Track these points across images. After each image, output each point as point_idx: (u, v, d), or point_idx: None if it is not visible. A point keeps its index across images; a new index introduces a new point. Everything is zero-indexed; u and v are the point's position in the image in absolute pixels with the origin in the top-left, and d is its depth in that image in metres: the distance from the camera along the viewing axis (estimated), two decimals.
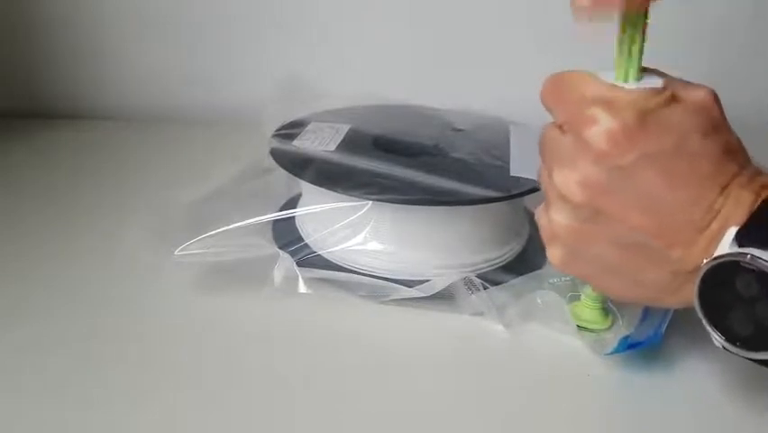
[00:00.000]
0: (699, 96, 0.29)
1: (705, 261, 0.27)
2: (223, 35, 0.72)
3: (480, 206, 0.40)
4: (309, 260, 0.42)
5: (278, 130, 0.49)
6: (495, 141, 0.49)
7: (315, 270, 0.40)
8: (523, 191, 0.41)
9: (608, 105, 0.28)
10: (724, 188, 0.27)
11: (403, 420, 0.32)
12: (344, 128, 0.49)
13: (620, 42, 0.30)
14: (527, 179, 0.41)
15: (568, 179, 0.29)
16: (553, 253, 0.32)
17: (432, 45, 0.70)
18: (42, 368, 0.34)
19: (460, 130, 0.50)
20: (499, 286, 0.40)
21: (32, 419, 0.31)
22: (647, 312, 0.37)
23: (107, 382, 0.33)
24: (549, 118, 0.32)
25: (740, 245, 0.26)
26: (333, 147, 0.46)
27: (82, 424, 0.31)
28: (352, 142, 0.47)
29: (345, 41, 0.71)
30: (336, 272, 0.41)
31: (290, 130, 0.49)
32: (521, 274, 0.41)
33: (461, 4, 0.69)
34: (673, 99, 0.28)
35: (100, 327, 0.38)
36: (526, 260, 0.44)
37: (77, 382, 0.33)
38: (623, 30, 0.30)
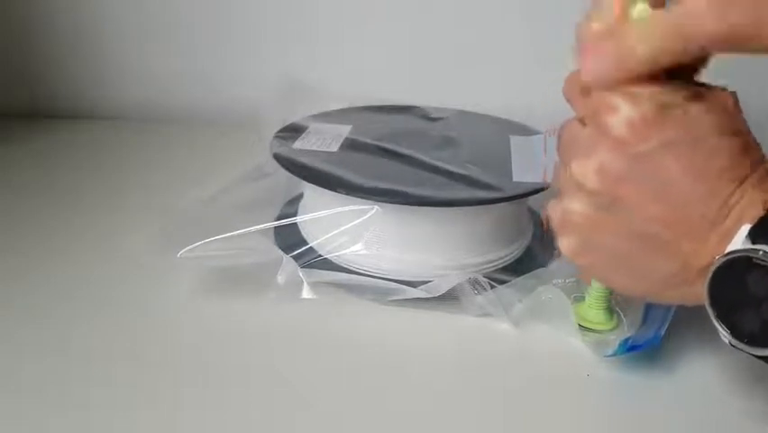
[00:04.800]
0: (719, 97, 0.29)
1: (717, 257, 0.27)
2: (223, 36, 0.72)
3: (485, 206, 0.41)
4: (313, 263, 0.42)
5: (279, 131, 0.49)
6: (496, 141, 0.49)
7: (319, 271, 0.40)
8: (527, 192, 0.41)
9: (629, 95, 0.29)
10: (740, 184, 0.27)
11: (406, 420, 0.32)
12: (346, 129, 0.49)
13: None
14: (531, 181, 0.42)
15: (586, 167, 0.29)
16: (565, 243, 0.32)
17: (432, 45, 0.70)
18: (43, 368, 0.34)
19: (461, 130, 0.50)
20: (504, 286, 0.40)
21: (32, 419, 0.31)
22: (648, 314, 0.38)
23: (107, 382, 0.33)
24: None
25: (753, 242, 0.26)
26: (335, 148, 0.46)
27: (82, 424, 0.31)
28: (354, 144, 0.47)
29: (346, 42, 0.71)
30: (340, 274, 0.41)
31: (291, 131, 0.49)
32: (525, 273, 0.41)
33: (462, 4, 0.69)
34: (693, 98, 0.29)
35: (100, 327, 0.37)
36: (531, 260, 0.44)
37: (77, 382, 0.33)
38: None
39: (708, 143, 0.28)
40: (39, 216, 0.50)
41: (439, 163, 0.43)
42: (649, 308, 0.38)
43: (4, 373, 0.34)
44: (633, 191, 0.28)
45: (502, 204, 0.41)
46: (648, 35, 0.28)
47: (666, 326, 0.35)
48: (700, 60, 0.29)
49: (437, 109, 0.55)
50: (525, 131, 0.51)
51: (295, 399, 0.33)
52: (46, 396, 0.32)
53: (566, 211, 0.31)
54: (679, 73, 0.29)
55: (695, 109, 0.28)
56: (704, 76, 0.30)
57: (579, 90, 0.31)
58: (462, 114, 0.54)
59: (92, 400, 0.32)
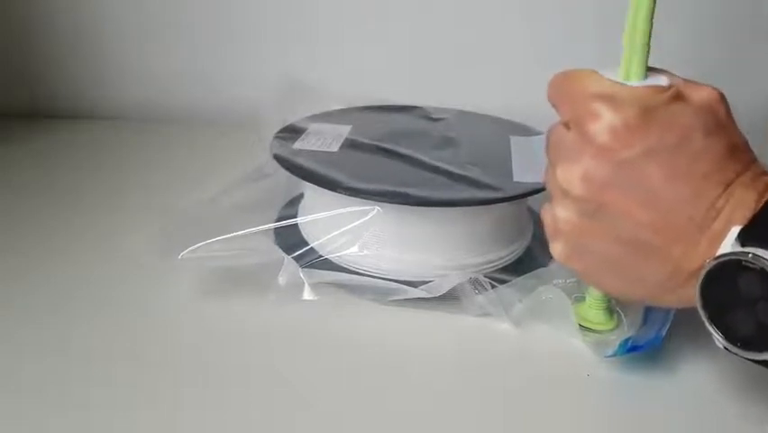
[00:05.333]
0: (704, 95, 0.29)
1: (707, 260, 0.27)
2: (223, 36, 0.72)
3: (486, 207, 0.40)
4: (314, 263, 0.42)
5: (279, 132, 0.49)
6: (496, 142, 0.49)
7: (320, 272, 0.40)
8: (528, 192, 0.41)
9: (611, 100, 0.29)
10: (726, 186, 0.27)
11: (406, 420, 0.32)
12: (346, 130, 0.49)
13: (625, 41, 0.30)
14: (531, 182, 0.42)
15: (571, 174, 0.29)
16: (556, 249, 0.32)
17: (432, 45, 0.70)
18: (43, 368, 0.34)
19: (462, 131, 0.50)
20: (504, 285, 0.40)
21: (32, 419, 0.31)
22: (648, 314, 0.37)
23: (107, 382, 0.33)
24: (549, 117, 0.33)
25: (743, 244, 0.26)
26: (335, 149, 0.46)
27: (82, 424, 0.31)
28: (354, 144, 0.47)
29: (346, 42, 0.71)
30: (341, 275, 0.41)
31: (291, 132, 0.49)
32: (526, 273, 0.41)
33: (462, 4, 0.69)
34: (678, 97, 0.28)
35: (100, 327, 0.37)
36: (531, 260, 0.44)
37: (77, 382, 0.33)
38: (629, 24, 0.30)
39: (692, 146, 0.27)
40: (39, 216, 0.50)
41: (439, 164, 0.43)
42: (649, 308, 0.38)
43: (4, 373, 0.34)
44: (618, 198, 0.28)
45: (502, 204, 0.41)
46: None
47: (667, 326, 0.35)
48: None
49: (437, 109, 0.55)
50: (525, 131, 0.51)
51: (295, 399, 0.33)
52: (46, 396, 0.32)
53: (555, 218, 0.31)
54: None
55: (679, 110, 0.28)
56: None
57: (563, 94, 0.31)
58: (462, 114, 0.54)
59: (92, 400, 0.32)
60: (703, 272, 0.27)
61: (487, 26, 0.70)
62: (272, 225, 0.44)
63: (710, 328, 0.27)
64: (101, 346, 0.36)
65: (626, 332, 0.37)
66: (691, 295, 0.28)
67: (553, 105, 0.32)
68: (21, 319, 0.38)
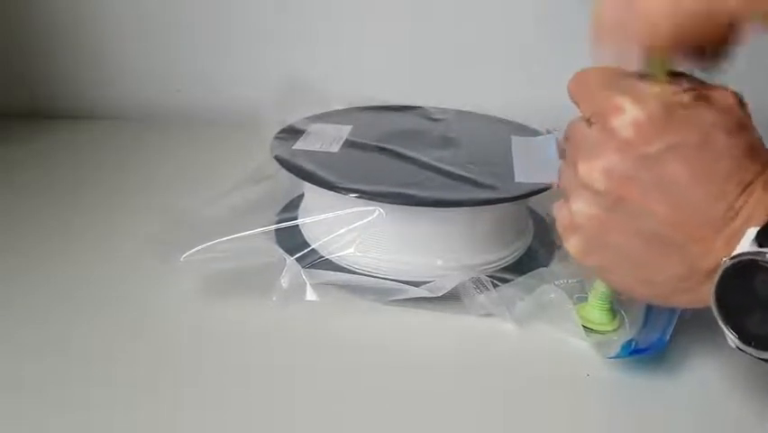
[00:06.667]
0: (724, 96, 0.29)
1: (723, 259, 0.27)
2: (223, 36, 0.72)
3: (488, 207, 0.40)
4: (315, 264, 0.41)
5: (279, 132, 0.49)
6: (497, 142, 0.49)
7: (322, 273, 0.40)
8: (529, 192, 0.41)
9: (635, 96, 0.29)
10: (746, 187, 0.27)
11: (407, 420, 0.32)
12: (346, 130, 0.49)
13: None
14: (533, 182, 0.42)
15: (592, 168, 0.29)
16: (572, 243, 0.32)
17: (432, 45, 0.70)
18: (43, 368, 0.34)
19: (462, 131, 0.50)
20: (506, 285, 0.40)
21: (32, 419, 0.31)
22: (649, 315, 0.37)
23: (107, 382, 0.33)
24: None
25: (760, 245, 0.26)
26: (335, 149, 0.46)
27: (82, 424, 0.31)
28: (354, 145, 0.47)
29: (346, 42, 0.71)
30: (343, 275, 0.41)
31: (292, 132, 0.49)
32: (527, 273, 0.41)
33: (462, 4, 0.69)
34: (700, 97, 0.29)
35: (100, 327, 0.37)
36: (533, 260, 0.44)
37: (77, 382, 0.33)
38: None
39: (714, 146, 0.28)
40: (39, 216, 0.50)
41: (440, 164, 0.43)
42: (650, 309, 0.38)
43: (4, 373, 0.34)
44: (639, 192, 0.28)
45: (504, 204, 0.41)
46: (672, 11, 0.28)
47: (671, 329, 0.35)
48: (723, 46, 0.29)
49: (438, 109, 0.55)
50: (525, 131, 0.51)
51: (296, 399, 0.33)
52: (46, 396, 0.32)
53: (573, 212, 0.31)
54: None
55: (701, 110, 0.28)
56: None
57: (585, 90, 0.31)
58: (463, 114, 0.54)
59: (92, 400, 0.32)
60: (719, 271, 0.27)
61: (487, 26, 0.70)
62: (274, 227, 0.44)
63: (724, 328, 0.27)
64: (101, 346, 0.36)
65: (629, 332, 0.37)
66: (705, 295, 0.27)
67: (575, 101, 0.32)
68: (21, 319, 0.38)
